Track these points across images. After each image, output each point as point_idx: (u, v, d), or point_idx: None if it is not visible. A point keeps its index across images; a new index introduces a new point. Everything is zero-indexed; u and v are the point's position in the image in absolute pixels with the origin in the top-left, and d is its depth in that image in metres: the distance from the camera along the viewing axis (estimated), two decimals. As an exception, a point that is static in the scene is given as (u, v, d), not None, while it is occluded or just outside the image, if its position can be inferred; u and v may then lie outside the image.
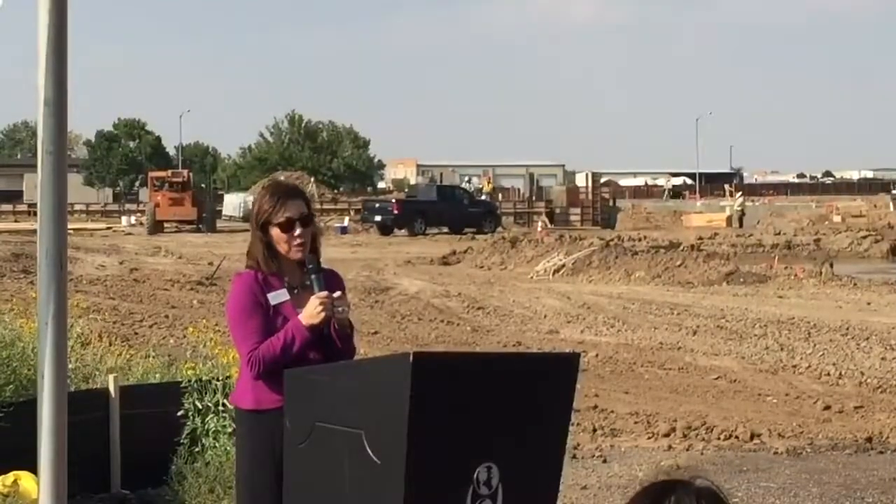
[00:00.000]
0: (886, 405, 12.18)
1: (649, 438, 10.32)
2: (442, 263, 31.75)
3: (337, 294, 4.38)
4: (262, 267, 4.41)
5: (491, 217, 50.32)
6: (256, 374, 4.30)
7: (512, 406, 3.71)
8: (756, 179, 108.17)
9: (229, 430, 6.54)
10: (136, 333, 15.77)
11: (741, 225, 54.91)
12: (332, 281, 4.48)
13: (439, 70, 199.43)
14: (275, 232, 4.40)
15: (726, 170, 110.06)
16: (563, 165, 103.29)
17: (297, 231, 4.39)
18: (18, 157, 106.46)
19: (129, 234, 46.73)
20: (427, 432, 3.47)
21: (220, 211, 56.86)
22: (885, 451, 9.85)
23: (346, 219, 52.74)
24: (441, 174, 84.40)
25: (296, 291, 4.41)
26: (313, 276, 4.40)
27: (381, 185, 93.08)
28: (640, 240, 37.48)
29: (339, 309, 4.37)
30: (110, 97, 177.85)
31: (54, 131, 3.32)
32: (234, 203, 58.21)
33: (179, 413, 6.88)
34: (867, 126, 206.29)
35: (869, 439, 10.26)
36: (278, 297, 4.37)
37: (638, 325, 18.75)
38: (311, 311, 4.31)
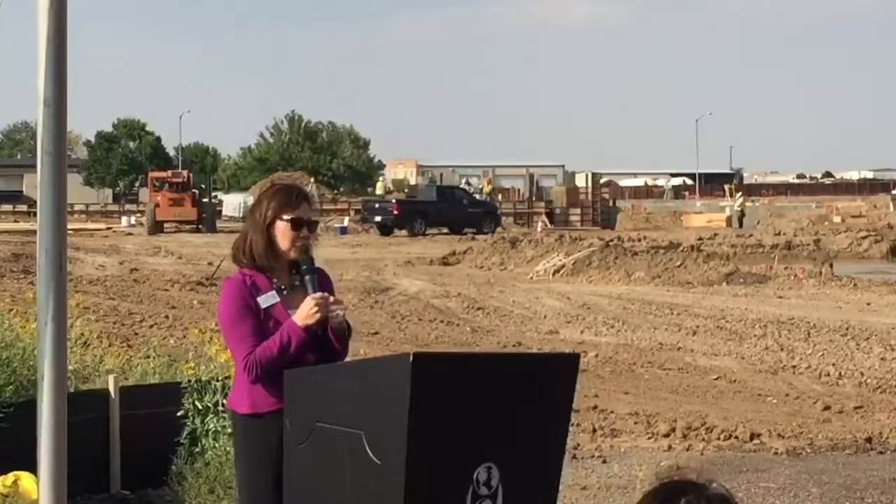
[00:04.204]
0: (886, 405, 12.19)
1: (649, 439, 10.31)
2: (442, 264, 31.75)
3: (332, 298, 4.37)
4: (256, 260, 4.39)
5: (491, 217, 50.28)
6: (254, 377, 4.27)
7: (512, 406, 3.71)
8: (756, 179, 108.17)
9: (229, 430, 6.53)
10: (135, 334, 15.76)
11: (741, 225, 54.89)
12: (323, 282, 4.48)
13: (439, 70, 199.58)
14: (282, 226, 4.39)
15: (726, 170, 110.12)
16: (563, 166, 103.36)
17: (304, 232, 4.41)
18: (18, 157, 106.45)
19: (129, 234, 46.73)
20: (427, 432, 3.47)
21: (220, 210, 56.87)
22: (884, 451, 9.85)
23: (346, 219, 52.73)
24: (441, 174, 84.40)
25: (285, 292, 4.40)
26: (307, 277, 4.39)
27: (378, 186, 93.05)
28: (639, 240, 37.45)
29: (335, 313, 4.36)
30: (110, 97, 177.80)
31: (54, 132, 3.32)
32: (234, 203, 58.18)
33: (179, 413, 6.88)
34: (867, 126, 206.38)
35: (869, 439, 10.26)
36: (268, 300, 4.35)
37: (638, 326, 18.75)
38: (307, 312, 4.30)
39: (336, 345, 4.38)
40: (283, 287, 4.41)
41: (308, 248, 4.45)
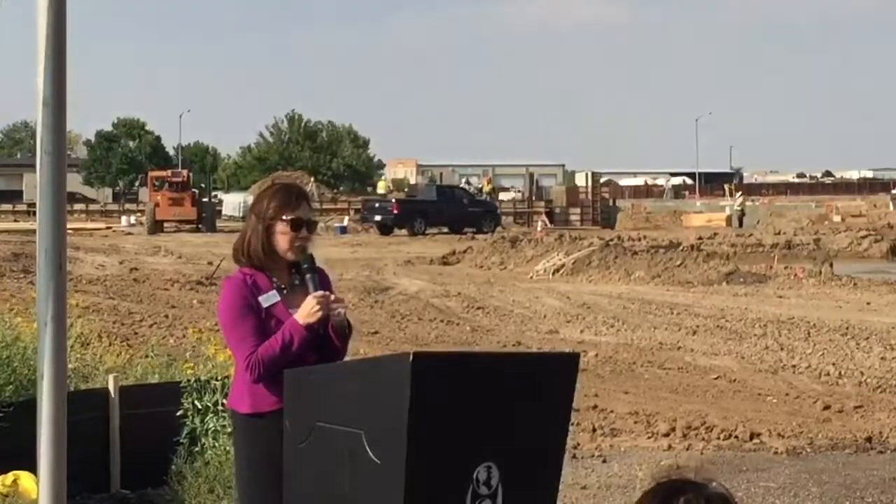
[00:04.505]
0: (886, 405, 12.18)
1: (649, 438, 10.31)
2: (442, 263, 31.74)
3: (333, 297, 4.37)
4: (255, 261, 4.39)
5: (491, 217, 50.27)
6: (256, 377, 4.26)
7: (512, 406, 3.71)
8: (756, 179, 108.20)
9: (229, 429, 6.53)
10: (135, 333, 15.75)
11: (741, 225, 54.90)
12: (323, 281, 4.47)
13: (440, 70, 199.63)
14: (281, 228, 4.39)
15: (726, 170, 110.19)
16: (563, 165, 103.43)
17: (303, 233, 4.40)
18: (18, 156, 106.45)
19: (129, 233, 46.72)
20: (427, 432, 3.47)
21: (220, 210, 56.87)
22: (884, 450, 9.85)
23: (346, 218, 52.72)
24: (441, 174, 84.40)
25: (285, 292, 4.40)
26: (308, 276, 4.39)
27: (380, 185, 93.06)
28: (639, 240, 37.44)
29: (336, 311, 4.36)
30: (110, 97, 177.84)
31: (53, 131, 3.32)
32: (234, 203, 58.18)
33: (179, 413, 6.87)
34: (867, 126, 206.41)
35: (869, 439, 10.26)
36: (269, 299, 4.35)
37: (638, 325, 18.75)
38: (308, 311, 4.30)
39: (337, 343, 4.39)
40: (283, 286, 4.41)
41: (305, 248, 4.45)
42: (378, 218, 48.77)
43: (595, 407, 11.54)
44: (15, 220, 54.61)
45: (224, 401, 6.67)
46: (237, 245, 4.49)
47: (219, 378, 6.79)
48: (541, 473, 3.82)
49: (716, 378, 13.93)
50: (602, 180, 70.87)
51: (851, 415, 11.70)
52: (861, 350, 15.93)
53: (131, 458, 7.20)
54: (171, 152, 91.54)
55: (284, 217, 4.38)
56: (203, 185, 60.70)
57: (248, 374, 4.29)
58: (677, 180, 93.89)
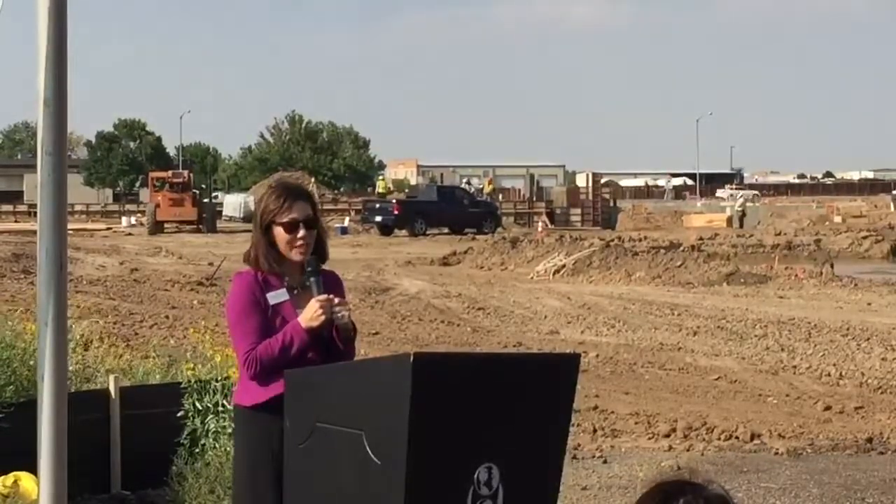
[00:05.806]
0: (887, 406, 12.19)
1: (650, 439, 10.31)
2: (442, 264, 31.73)
3: (337, 300, 4.37)
4: (261, 266, 4.41)
5: (491, 217, 50.23)
6: (253, 373, 4.29)
7: (512, 406, 3.71)
8: (756, 179, 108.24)
9: (229, 430, 6.53)
10: (136, 334, 15.75)
11: (742, 225, 54.91)
12: (331, 283, 4.47)
13: (440, 70, 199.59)
14: (278, 232, 4.39)
15: (726, 170, 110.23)
16: (564, 166, 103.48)
17: (301, 233, 4.39)
18: (18, 157, 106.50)
19: (130, 234, 46.74)
20: (427, 433, 3.47)
21: (220, 211, 56.87)
22: (885, 451, 9.85)
23: (347, 219, 52.72)
24: (441, 175, 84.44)
25: (295, 292, 4.39)
26: (312, 279, 4.38)
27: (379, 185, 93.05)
28: (640, 240, 37.42)
29: (340, 315, 4.36)
30: (110, 97, 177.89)
31: (54, 132, 3.32)
32: (234, 203, 58.17)
33: (179, 414, 6.87)
34: (867, 126, 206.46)
35: (869, 440, 10.26)
36: (278, 297, 4.36)
37: (638, 326, 18.75)
38: (311, 315, 4.29)
39: (341, 346, 4.38)
40: (294, 286, 4.41)
41: (308, 249, 4.42)
42: (378, 218, 48.74)
43: (596, 408, 11.54)
44: (15, 221, 54.64)
45: (224, 402, 6.67)
46: (247, 252, 4.49)
47: (219, 379, 6.78)
48: (541, 474, 3.82)
49: (716, 379, 13.93)
50: (603, 181, 70.83)
51: (852, 416, 11.70)
52: (862, 351, 15.94)
53: (132, 459, 7.19)
54: (172, 153, 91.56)
55: (277, 220, 4.39)
56: (203, 186, 60.66)
57: (244, 370, 4.31)
58: (678, 181, 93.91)
